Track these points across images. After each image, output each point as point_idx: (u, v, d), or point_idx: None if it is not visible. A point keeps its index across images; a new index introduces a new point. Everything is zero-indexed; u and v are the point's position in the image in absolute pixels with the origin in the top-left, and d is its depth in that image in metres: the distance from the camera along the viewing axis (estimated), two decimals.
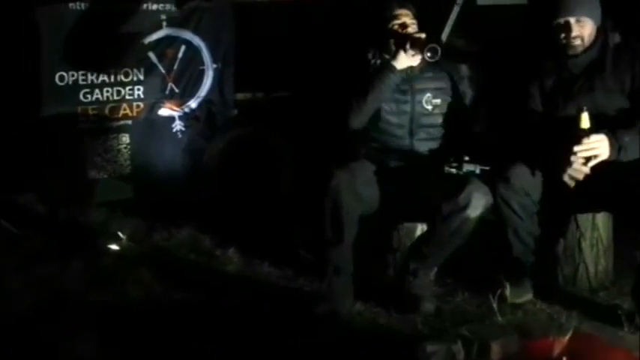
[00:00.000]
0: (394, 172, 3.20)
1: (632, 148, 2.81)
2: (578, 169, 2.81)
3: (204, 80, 4.41)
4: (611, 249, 3.21)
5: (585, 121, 2.78)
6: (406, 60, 3.16)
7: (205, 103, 4.43)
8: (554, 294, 3.08)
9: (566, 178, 2.84)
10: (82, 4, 4.06)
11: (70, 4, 4.04)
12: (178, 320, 2.95)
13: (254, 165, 4.40)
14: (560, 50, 3.04)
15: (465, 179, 3.00)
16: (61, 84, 4.10)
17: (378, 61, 3.27)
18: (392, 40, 3.23)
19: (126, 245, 3.84)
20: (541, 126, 3.02)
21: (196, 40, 4.34)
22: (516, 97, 3.21)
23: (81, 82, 4.14)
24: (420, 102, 3.27)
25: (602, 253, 3.17)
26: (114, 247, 3.79)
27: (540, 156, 2.93)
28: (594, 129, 2.79)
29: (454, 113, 3.33)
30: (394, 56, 3.17)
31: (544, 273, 3.17)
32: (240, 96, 4.52)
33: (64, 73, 4.09)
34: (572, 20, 2.95)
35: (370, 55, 3.30)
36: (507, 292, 3.00)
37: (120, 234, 3.88)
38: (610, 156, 2.79)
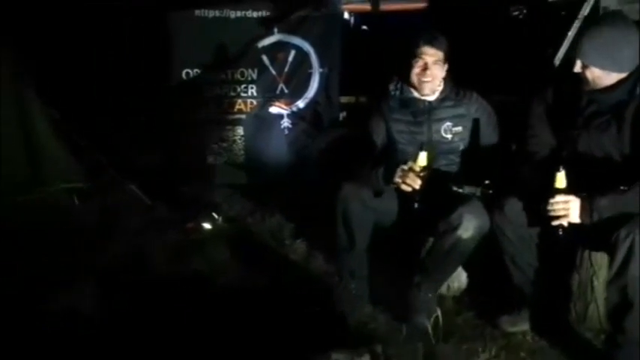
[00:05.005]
0: None
1: (609, 211, 2.69)
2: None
3: (312, 83, 4.80)
4: None
5: (560, 181, 2.69)
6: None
7: (312, 104, 4.82)
8: (555, 330, 3.01)
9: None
10: (206, 12, 4.66)
11: (196, 11, 4.67)
12: (200, 300, 3.23)
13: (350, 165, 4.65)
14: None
15: (463, 200, 3.05)
16: (187, 79, 4.73)
17: (398, 93, 3.33)
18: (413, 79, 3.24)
19: (219, 225, 4.33)
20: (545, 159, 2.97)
21: (305, 46, 4.75)
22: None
23: (203, 79, 4.75)
24: (438, 131, 3.26)
25: None
26: (207, 225, 4.30)
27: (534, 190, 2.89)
28: (569, 189, 2.69)
29: (477, 140, 3.31)
30: (387, 180, 3.10)
31: (556, 307, 3.10)
32: (344, 99, 4.82)
33: (190, 70, 4.75)
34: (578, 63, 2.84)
35: (392, 87, 3.35)
36: (502, 319, 3.03)
37: (215, 215, 4.38)
38: (582, 219, 2.71)
